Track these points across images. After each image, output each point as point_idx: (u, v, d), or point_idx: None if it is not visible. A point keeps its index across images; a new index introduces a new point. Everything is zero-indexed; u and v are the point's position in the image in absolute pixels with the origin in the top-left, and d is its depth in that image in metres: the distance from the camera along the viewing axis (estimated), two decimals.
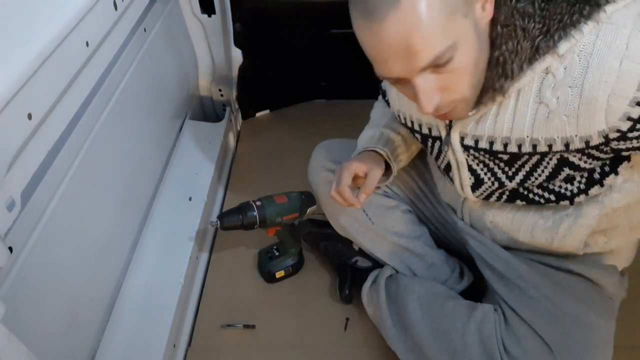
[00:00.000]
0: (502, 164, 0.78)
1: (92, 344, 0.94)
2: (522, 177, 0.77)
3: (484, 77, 0.66)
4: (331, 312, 1.14)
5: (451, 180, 0.87)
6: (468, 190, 0.85)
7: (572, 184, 0.76)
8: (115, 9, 0.95)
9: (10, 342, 0.59)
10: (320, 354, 1.07)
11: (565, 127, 0.66)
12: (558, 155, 0.71)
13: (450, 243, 1.07)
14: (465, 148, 0.77)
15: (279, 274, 1.20)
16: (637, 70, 0.58)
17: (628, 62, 0.58)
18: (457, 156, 0.80)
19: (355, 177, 0.90)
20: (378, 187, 0.94)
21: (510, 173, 0.78)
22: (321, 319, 1.12)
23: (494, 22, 0.63)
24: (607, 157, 0.70)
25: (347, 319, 1.12)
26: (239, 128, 1.73)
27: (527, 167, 0.76)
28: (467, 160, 0.80)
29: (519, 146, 0.71)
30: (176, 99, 1.43)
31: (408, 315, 0.94)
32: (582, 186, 0.75)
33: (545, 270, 0.86)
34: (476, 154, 0.78)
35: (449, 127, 0.77)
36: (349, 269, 1.14)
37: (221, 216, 1.08)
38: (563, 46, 0.61)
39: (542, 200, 0.80)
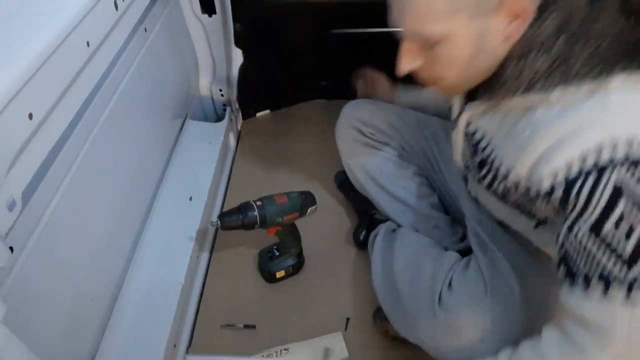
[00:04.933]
0: (475, 166, 0.80)
1: (92, 344, 0.94)
2: (486, 184, 0.78)
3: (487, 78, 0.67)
4: (331, 312, 1.14)
5: None
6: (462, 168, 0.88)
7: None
8: (116, 9, 0.95)
9: (10, 342, 0.59)
10: None
11: (512, 159, 0.67)
12: (503, 185, 0.72)
13: (453, 213, 1.11)
14: (466, 135, 0.79)
15: (279, 274, 1.20)
16: (572, 148, 0.57)
17: (575, 136, 0.57)
18: (458, 138, 0.82)
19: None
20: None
21: (480, 175, 0.79)
22: (321, 319, 1.12)
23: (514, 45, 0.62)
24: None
25: (348, 319, 1.12)
26: (239, 128, 1.73)
27: (487, 179, 0.76)
28: (462, 146, 0.82)
29: (490, 153, 0.73)
30: (176, 99, 1.43)
31: (394, 262, 0.98)
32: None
33: (532, 249, 0.86)
34: (467, 144, 0.80)
35: (462, 109, 0.78)
36: (368, 218, 1.23)
37: (221, 216, 1.08)
38: (556, 93, 0.60)
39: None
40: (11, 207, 0.65)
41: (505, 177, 0.70)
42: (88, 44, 0.84)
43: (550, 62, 0.60)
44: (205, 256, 1.27)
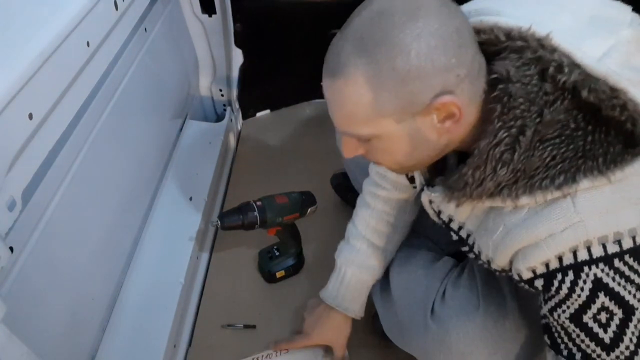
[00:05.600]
0: (454, 240, 0.79)
1: (92, 344, 0.94)
2: (471, 257, 0.77)
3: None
4: None
5: None
6: None
7: None
8: (116, 8, 0.95)
9: (11, 341, 0.60)
10: None
11: (490, 253, 0.68)
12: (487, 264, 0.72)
13: None
14: (433, 209, 0.79)
15: (279, 274, 1.20)
16: (548, 251, 0.59)
17: (552, 240, 0.58)
18: (425, 208, 0.81)
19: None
20: None
21: (463, 249, 0.78)
22: None
23: (469, 142, 0.61)
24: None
25: None
26: (239, 128, 1.73)
27: (470, 255, 0.76)
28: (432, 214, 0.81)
29: (468, 236, 0.73)
30: (176, 99, 1.43)
31: (390, 267, 0.98)
32: None
33: None
34: (436, 218, 0.79)
35: (422, 187, 0.77)
36: None
37: (221, 216, 1.08)
38: (523, 200, 0.59)
39: None
40: (11, 207, 0.65)
41: (488, 263, 0.71)
42: (88, 44, 0.84)
43: (512, 173, 0.59)
44: (205, 256, 1.27)
